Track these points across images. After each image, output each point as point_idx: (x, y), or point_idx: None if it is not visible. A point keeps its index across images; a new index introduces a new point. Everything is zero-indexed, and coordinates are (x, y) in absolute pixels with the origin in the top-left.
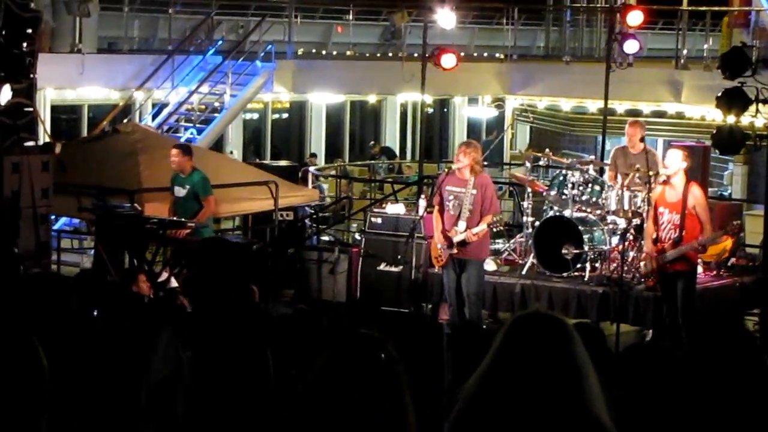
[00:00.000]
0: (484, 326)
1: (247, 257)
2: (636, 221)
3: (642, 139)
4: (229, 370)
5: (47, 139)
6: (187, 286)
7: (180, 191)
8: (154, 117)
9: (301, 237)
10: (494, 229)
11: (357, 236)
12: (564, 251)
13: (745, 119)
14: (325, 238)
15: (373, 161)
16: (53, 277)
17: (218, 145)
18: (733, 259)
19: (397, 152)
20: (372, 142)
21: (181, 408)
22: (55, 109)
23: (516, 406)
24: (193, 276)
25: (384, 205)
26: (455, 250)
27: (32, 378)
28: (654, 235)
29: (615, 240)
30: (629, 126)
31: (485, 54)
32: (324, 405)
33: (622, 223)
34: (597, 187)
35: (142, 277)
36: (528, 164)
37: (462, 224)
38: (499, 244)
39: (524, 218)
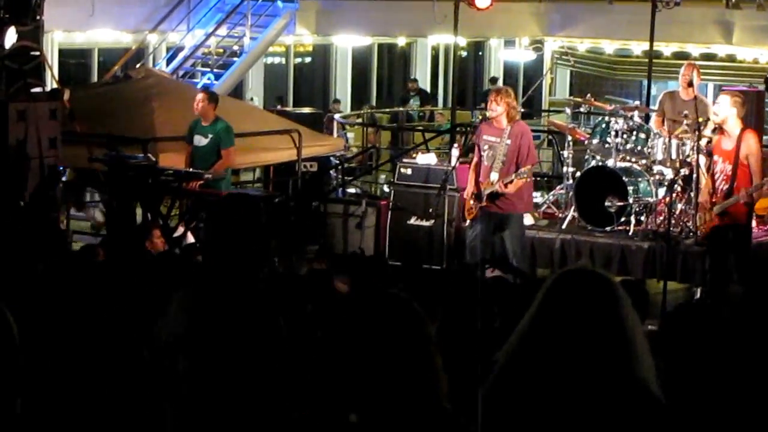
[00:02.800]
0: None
1: (268, 213)
2: (684, 171)
3: (690, 84)
4: (236, 332)
5: (55, 85)
6: (204, 243)
7: (201, 140)
8: (168, 61)
9: (325, 189)
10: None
11: (385, 188)
12: (607, 204)
13: None
14: (352, 190)
15: (405, 101)
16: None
17: (237, 92)
18: None
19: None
20: (413, 77)
21: (182, 368)
22: (64, 53)
23: (557, 370)
24: (210, 233)
25: (414, 155)
26: (485, 202)
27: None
28: (710, 187)
29: (662, 191)
30: (686, 66)
31: None
32: (352, 369)
33: (669, 174)
34: (642, 135)
35: (157, 233)
36: (568, 110)
37: (494, 175)
38: (538, 197)
39: (564, 169)
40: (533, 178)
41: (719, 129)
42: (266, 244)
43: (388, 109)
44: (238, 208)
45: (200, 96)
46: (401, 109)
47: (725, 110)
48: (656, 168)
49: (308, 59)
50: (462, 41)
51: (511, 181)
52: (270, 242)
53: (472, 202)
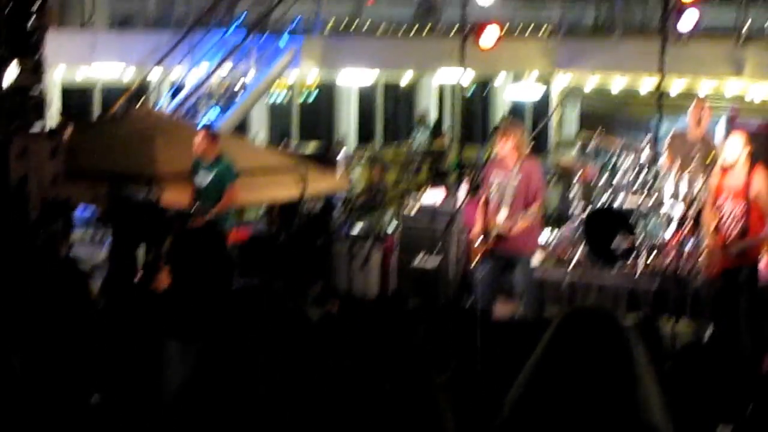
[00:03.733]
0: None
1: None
2: (694, 210)
3: (699, 122)
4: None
5: (57, 122)
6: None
7: (203, 179)
8: (171, 98)
9: (330, 227)
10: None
11: (391, 227)
12: (616, 242)
13: None
14: (357, 228)
15: (434, 134)
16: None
17: (241, 129)
18: None
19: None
20: (423, 110)
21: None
22: (65, 90)
23: (565, 412)
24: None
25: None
26: (492, 243)
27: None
28: (713, 226)
29: (671, 230)
30: (695, 105)
31: (530, 29)
32: (355, 409)
33: (678, 212)
34: (651, 173)
35: (166, 271)
36: (577, 148)
37: (504, 213)
38: (546, 236)
39: (573, 207)
40: (541, 216)
41: (724, 168)
42: (228, 279)
43: (393, 145)
44: (201, 241)
45: (199, 137)
46: (406, 148)
47: (739, 150)
48: (665, 206)
49: (313, 96)
50: (469, 77)
51: (512, 226)
52: (232, 278)
53: (479, 242)
